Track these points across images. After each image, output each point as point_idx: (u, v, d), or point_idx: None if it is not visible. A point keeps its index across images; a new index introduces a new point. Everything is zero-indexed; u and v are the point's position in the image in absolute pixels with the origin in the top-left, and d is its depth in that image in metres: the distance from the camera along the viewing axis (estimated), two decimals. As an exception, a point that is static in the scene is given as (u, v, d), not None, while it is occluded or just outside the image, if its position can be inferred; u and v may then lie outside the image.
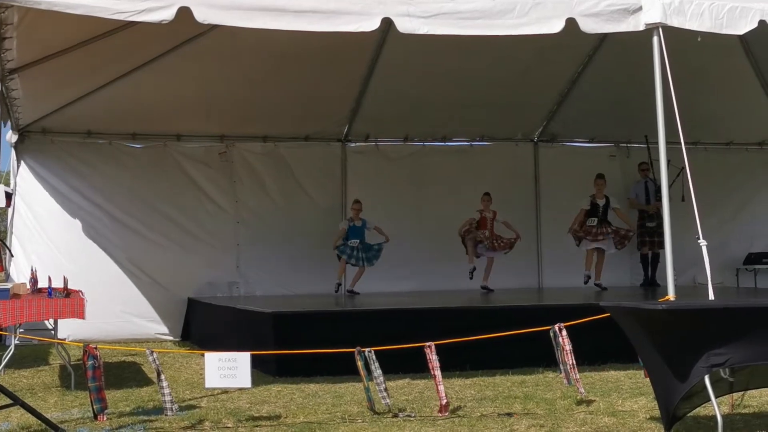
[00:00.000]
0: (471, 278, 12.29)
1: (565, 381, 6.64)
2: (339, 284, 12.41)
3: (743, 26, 7.46)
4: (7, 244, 11.82)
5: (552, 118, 13.65)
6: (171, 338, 12.12)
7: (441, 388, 6.16)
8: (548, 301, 10.94)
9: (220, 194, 12.79)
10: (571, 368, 6.48)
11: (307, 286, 12.40)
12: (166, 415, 6.02)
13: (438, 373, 6.17)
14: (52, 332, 8.47)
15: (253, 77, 11.30)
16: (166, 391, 5.99)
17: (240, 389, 7.10)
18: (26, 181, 12.02)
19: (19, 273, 11.40)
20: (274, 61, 10.86)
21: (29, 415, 5.83)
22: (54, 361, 9.59)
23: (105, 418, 6.06)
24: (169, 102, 11.62)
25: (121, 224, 12.22)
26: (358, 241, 12.27)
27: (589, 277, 12.20)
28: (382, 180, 13.32)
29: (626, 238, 12.35)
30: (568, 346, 6.45)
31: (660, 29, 7.23)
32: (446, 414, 6.13)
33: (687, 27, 7.29)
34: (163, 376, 6.00)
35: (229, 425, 5.95)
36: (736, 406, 6.15)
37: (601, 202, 12.28)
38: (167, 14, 6.52)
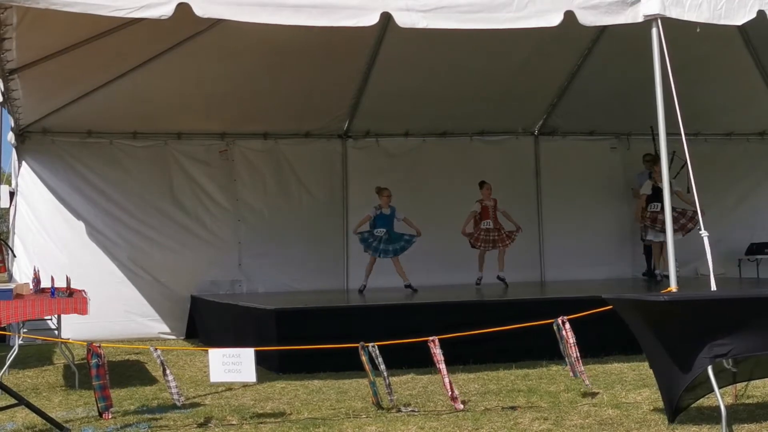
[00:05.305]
0: (479, 285, 11.93)
1: (571, 374, 6.64)
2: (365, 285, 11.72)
3: (741, 16, 7.44)
4: (9, 244, 11.83)
5: (552, 111, 13.63)
6: (174, 337, 12.12)
7: (447, 380, 6.17)
8: (551, 295, 10.93)
9: (221, 192, 12.79)
10: (575, 361, 6.49)
11: (309, 283, 12.40)
12: (176, 406, 6.04)
13: (443, 366, 6.18)
14: (56, 332, 8.48)
15: (252, 74, 11.29)
16: (173, 384, 6.00)
17: (244, 386, 7.13)
18: (27, 182, 12.02)
19: (21, 273, 11.41)
20: (273, 58, 10.85)
21: (34, 414, 5.84)
22: (58, 360, 9.60)
23: (110, 417, 6.08)
24: (169, 101, 11.62)
25: (122, 223, 12.23)
26: (385, 230, 11.64)
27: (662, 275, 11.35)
28: (383, 175, 13.26)
29: (692, 221, 11.22)
30: (571, 339, 6.46)
31: (659, 20, 7.22)
32: (460, 406, 6.14)
33: (685, 18, 7.27)
34: (168, 371, 6.01)
35: (233, 422, 5.96)
36: (740, 396, 6.15)
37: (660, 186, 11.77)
38: (166, 10, 6.50)
